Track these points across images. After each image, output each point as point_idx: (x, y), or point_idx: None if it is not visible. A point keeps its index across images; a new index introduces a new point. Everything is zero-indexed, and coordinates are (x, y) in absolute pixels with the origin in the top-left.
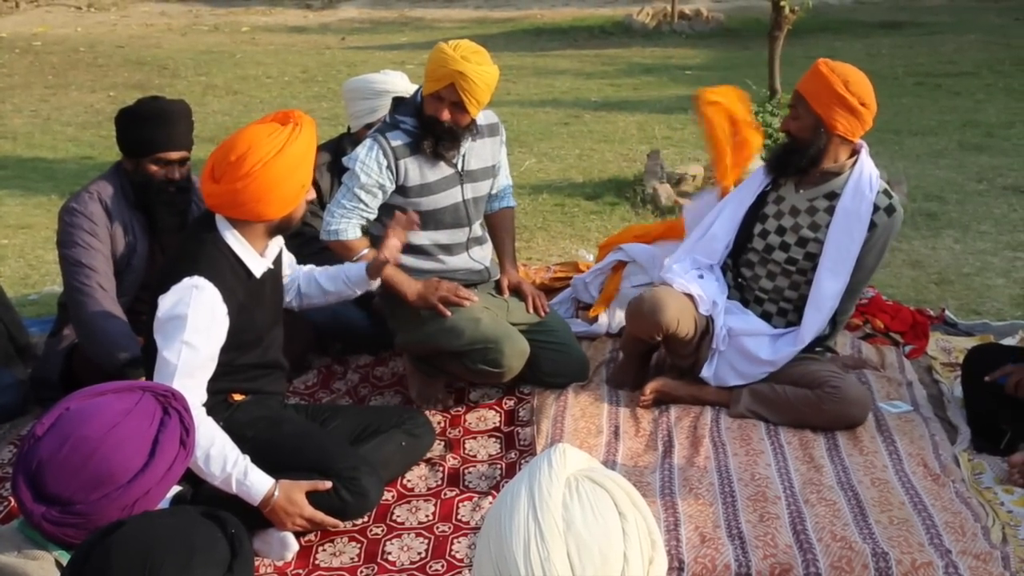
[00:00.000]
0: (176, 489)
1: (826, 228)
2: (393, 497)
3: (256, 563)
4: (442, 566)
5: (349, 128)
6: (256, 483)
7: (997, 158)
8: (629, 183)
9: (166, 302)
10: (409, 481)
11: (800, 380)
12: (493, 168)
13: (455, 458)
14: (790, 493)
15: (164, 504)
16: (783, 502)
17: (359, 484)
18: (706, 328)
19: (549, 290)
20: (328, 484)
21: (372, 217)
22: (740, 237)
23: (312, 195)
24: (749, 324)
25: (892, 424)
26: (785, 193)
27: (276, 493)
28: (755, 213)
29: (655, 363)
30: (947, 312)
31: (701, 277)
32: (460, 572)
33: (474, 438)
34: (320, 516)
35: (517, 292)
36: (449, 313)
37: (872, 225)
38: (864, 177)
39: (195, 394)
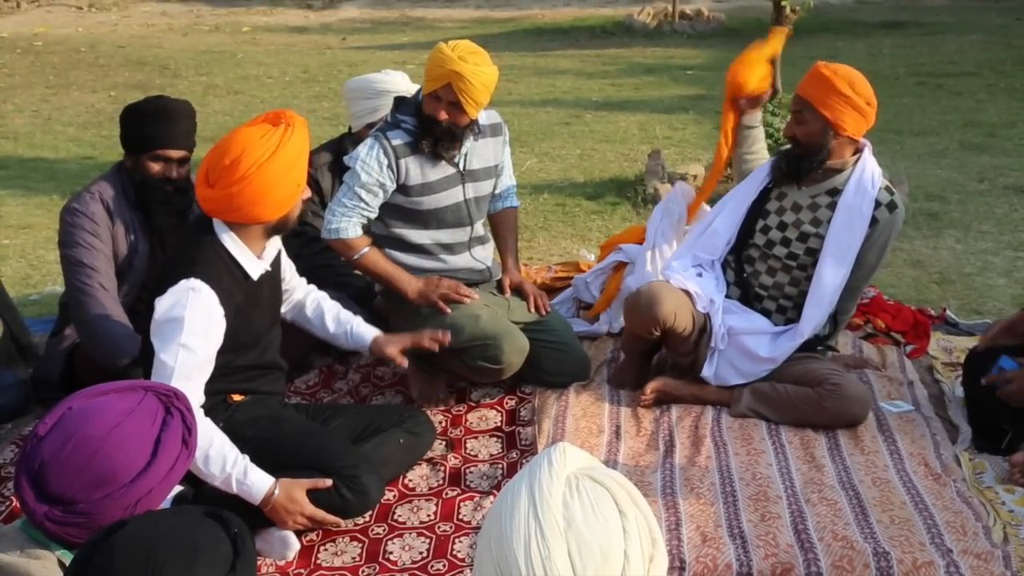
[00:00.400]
0: (178, 489)
1: (827, 224)
2: (394, 496)
3: (258, 562)
4: (443, 565)
5: (350, 128)
6: (256, 482)
7: (998, 158)
8: (630, 183)
9: (163, 304)
10: (410, 481)
11: (801, 379)
12: (495, 168)
13: (456, 458)
14: (791, 492)
15: (166, 504)
16: (784, 501)
17: (360, 482)
18: (705, 326)
19: (550, 290)
20: (328, 482)
21: (373, 216)
22: (742, 233)
23: (307, 194)
24: (749, 323)
25: (893, 424)
26: (788, 190)
27: (276, 492)
28: (757, 209)
29: (656, 363)
30: (948, 312)
31: (700, 276)
32: (461, 572)
33: (475, 438)
34: (321, 514)
35: (519, 292)
36: (449, 310)
37: (873, 221)
38: (867, 174)
39: (193, 396)
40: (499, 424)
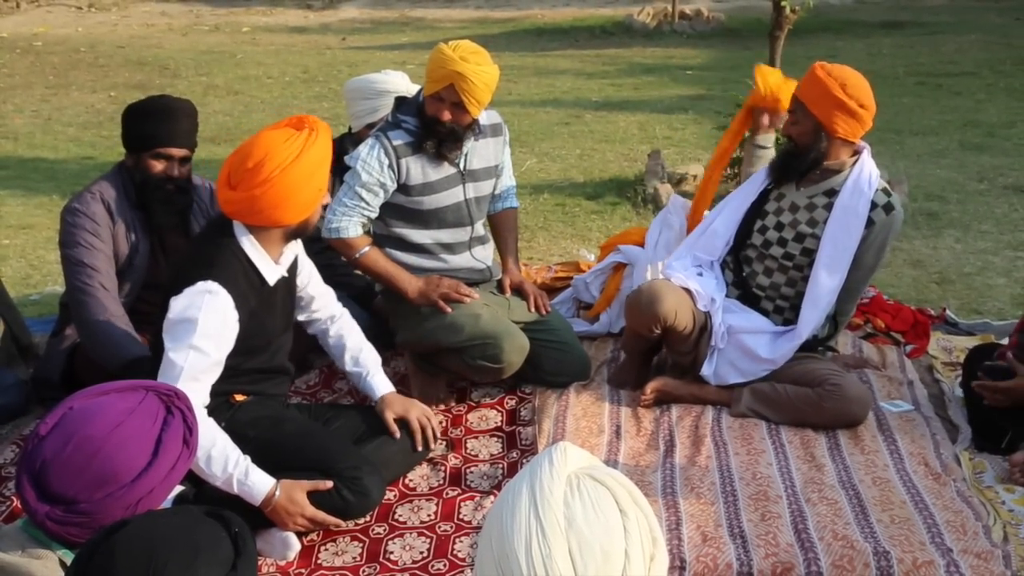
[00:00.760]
0: (179, 489)
1: (824, 224)
2: (395, 496)
3: (258, 562)
4: (444, 565)
5: (350, 128)
6: (257, 483)
7: (998, 158)
8: (630, 183)
9: (178, 304)
10: (411, 480)
11: (801, 379)
12: (496, 168)
13: (457, 457)
14: (791, 492)
15: (167, 504)
16: (784, 501)
17: (361, 483)
18: (705, 325)
19: (550, 290)
20: (329, 484)
21: (373, 215)
22: (740, 234)
23: (327, 199)
24: (749, 322)
25: (893, 423)
26: (786, 191)
27: (277, 493)
28: (756, 210)
29: (656, 363)
30: (948, 312)
31: (700, 275)
32: (462, 571)
33: (476, 437)
34: (322, 516)
35: (519, 291)
36: (450, 310)
37: (870, 222)
38: (864, 175)
39: (199, 397)
40: (499, 424)
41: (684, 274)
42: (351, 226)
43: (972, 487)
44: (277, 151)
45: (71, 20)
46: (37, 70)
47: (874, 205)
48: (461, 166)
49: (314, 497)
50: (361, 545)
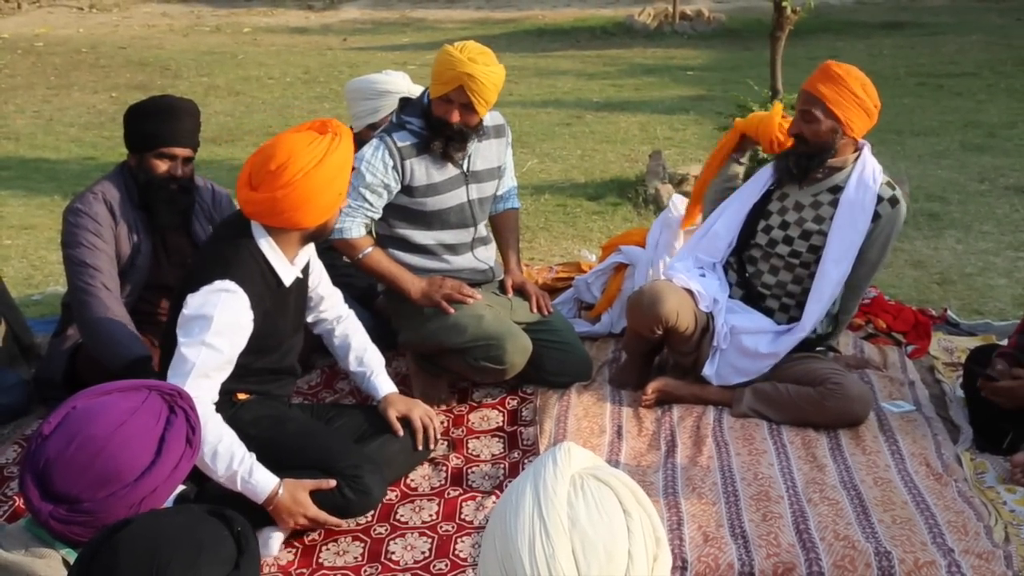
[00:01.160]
0: (180, 488)
1: (830, 221)
2: (397, 496)
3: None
4: (445, 565)
5: (352, 128)
6: (261, 481)
7: (999, 158)
8: (631, 183)
9: (194, 301)
10: (412, 481)
11: (802, 378)
12: (499, 169)
13: (458, 458)
14: (793, 492)
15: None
16: (786, 501)
17: (362, 482)
18: (707, 325)
19: (552, 290)
20: (332, 483)
21: (377, 216)
22: (743, 234)
23: (346, 202)
24: (752, 322)
25: (895, 424)
26: (789, 190)
27: (280, 492)
28: (759, 210)
29: (657, 363)
30: (949, 312)
31: (703, 276)
32: (464, 571)
33: (477, 438)
34: (323, 516)
35: (521, 292)
36: (453, 310)
37: (876, 216)
38: (868, 170)
39: (208, 394)
40: (501, 424)
41: (686, 275)
42: (354, 227)
43: (973, 487)
44: (300, 154)
45: (72, 21)
46: (38, 71)
47: (879, 199)
48: (465, 167)
49: (315, 496)
50: (362, 545)
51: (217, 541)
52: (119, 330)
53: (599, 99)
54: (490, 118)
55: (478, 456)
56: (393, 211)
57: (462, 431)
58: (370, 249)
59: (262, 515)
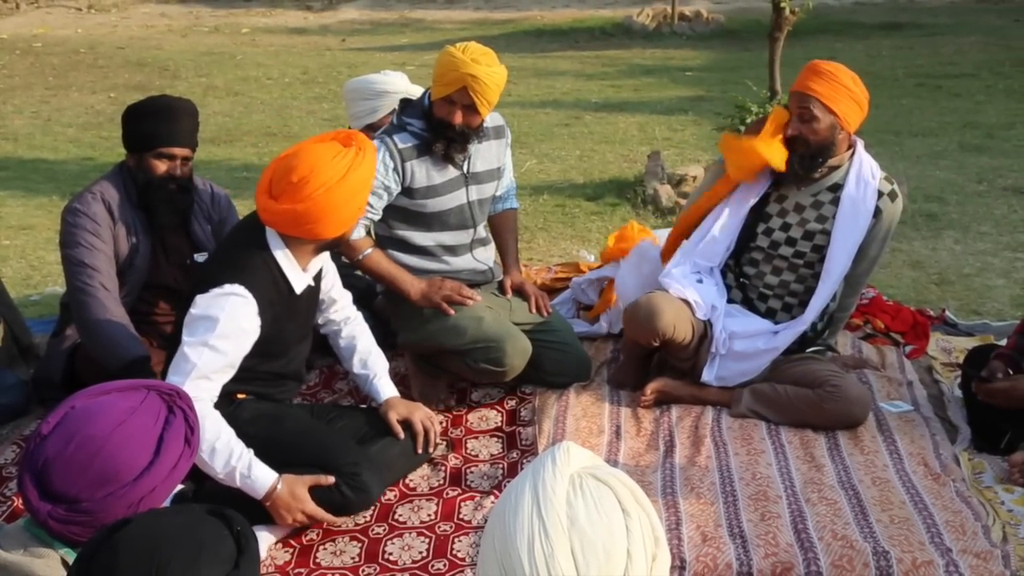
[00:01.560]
0: (178, 487)
1: (833, 219)
2: (395, 496)
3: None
4: (444, 565)
5: (350, 128)
6: (260, 477)
7: (997, 159)
8: (630, 184)
9: (202, 302)
10: (411, 480)
11: (801, 380)
12: (498, 170)
13: (457, 458)
14: (791, 492)
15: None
16: (784, 501)
17: (360, 480)
18: (705, 333)
19: (550, 291)
20: (331, 479)
21: (377, 218)
22: (742, 237)
23: (372, 216)
24: (750, 325)
25: (893, 424)
26: (787, 192)
27: (279, 487)
28: (757, 213)
29: (656, 363)
30: (947, 312)
31: (700, 282)
32: (462, 571)
33: (476, 438)
34: (321, 512)
35: (520, 292)
36: (452, 312)
37: (877, 211)
38: (865, 166)
39: (208, 395)
40: (499, 424)
41: (682, 283)
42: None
43: (971, 487)
44: (324, 168)
45: (71, 21)
46: (37, 71)
47: (879, 194)
48: (465, 169)
49: (314, 493)
50: (360, 545)
51: (217, 540)
52: (118, 330)
53: (598, 99)
54: (490, 119)
55: (477, 456)
56: (393, 212)
57: (461, 431)
58: (370, 250)
59: (256, 514)
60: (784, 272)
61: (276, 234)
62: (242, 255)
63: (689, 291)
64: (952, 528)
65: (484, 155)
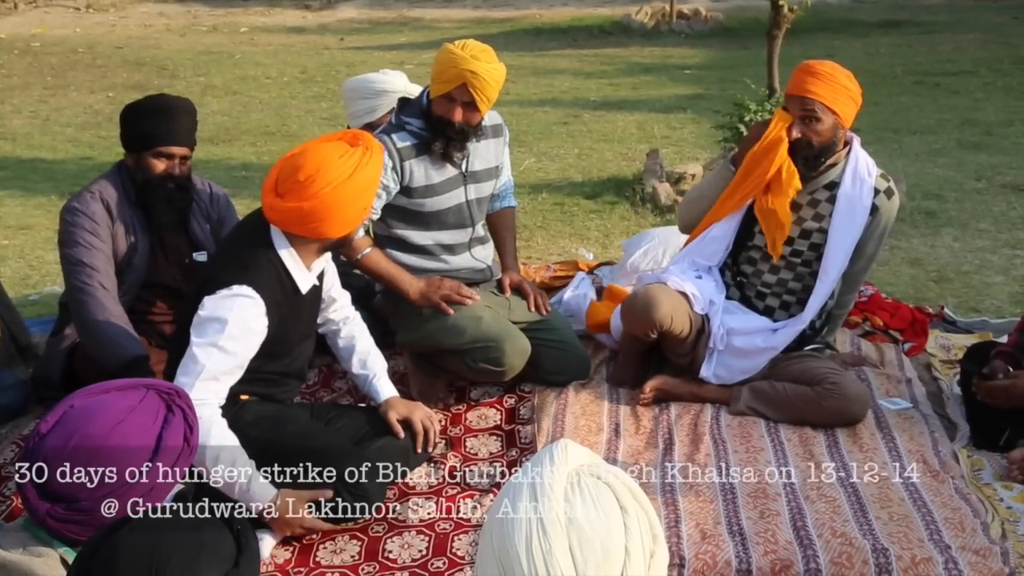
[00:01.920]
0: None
1: (830, 218)
2: (394, 495)
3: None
4: (443, 563)
5: (348, 128)
6: (258, 493)
7: (996, 156)
8: (628, 182)
9: (210, 303)
10: (410, 479)
11: (800, 377)
12: (497, 169)
13: (456, 456)
14: (790, 490)
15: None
16: (783, 499)
17: (361, 487)
18: (703, 327)
19: (549, 289)
20: (329, 493)
21: (375, 217)
22: (740, 236)
23: (371, 215)
24: (749, 322)
25: (892, 421)
26: None
27: (277, 504)
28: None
29: (655, 361)
30: (946, 310)
31: (699, 278)
32: (461, 569)
33: (475, 436)
34: (320, 525)
35: (519, 291)
36: (451, 311)
37: (874, 208)
38: (861, 163)
39: (215, 397)
40: (499, 422)
41: (680, 277)
42: None
43: (970, 484)
44: (330, 167)
45: (69, 21)
46: (35, 71)
47: (876, 191)
48: (463, 168)
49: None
50: (360, 544)
51: (217, 539)
52: (116, 330)
53: (596, 98)
54: (488, 118)
55: (476, 454)
56: (391, 212)
57: (460, 429)
58: (368, 250)
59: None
60: (782, 270)
61: (281, 233)
62: (248, 255)
63: (687, 284)
64: (951, 525)
65: (482, 154)
